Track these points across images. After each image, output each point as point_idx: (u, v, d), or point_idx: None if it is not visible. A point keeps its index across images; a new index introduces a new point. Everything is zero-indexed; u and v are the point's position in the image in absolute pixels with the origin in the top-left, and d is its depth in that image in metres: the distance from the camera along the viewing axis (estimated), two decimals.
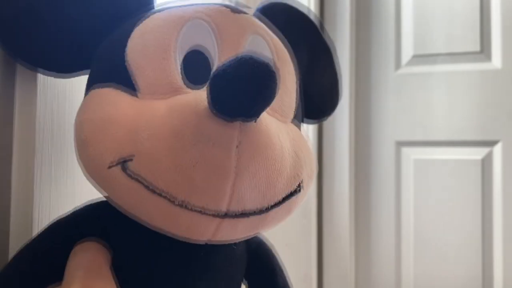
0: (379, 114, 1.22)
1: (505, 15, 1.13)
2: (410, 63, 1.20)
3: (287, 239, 1.09)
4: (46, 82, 0.44)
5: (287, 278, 0.48)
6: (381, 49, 1.23)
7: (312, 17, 0.50)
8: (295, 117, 0.41)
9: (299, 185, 0.37)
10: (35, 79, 0.43)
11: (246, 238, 0.40)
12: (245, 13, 0.40)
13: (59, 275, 0.35)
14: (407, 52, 1.20)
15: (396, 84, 1.21)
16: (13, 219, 0.42)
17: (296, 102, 0.41)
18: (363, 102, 1.23)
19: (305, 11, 0.50)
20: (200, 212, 0.33)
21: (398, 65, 1.21)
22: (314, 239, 1.11)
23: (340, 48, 1.20)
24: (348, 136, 1.20)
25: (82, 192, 0.38)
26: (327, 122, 1.20)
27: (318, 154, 1.18)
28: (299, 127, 0.42)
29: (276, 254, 0.48)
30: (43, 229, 0.39)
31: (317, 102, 0.48)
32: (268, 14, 0.44)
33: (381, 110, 1.22)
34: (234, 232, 0.36)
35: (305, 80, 0.45)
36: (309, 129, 1.10)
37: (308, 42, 0.49)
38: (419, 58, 1.20)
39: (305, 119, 0.45)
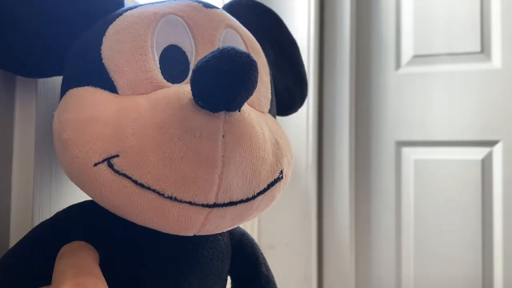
0: (379, 114, 1.22)
1: (505, 15, 1.13)
2: (410, 63, 1.20)
3: (287, 239, 1.09)
4: (46, 83, 0.44)
5: (270, 269, 0.49)
6: (381, 49, 1.23)
7: (275, 12, 0.51)
8: (271, 108, 0.42)
9: (281, 172, 0.38)
10: (35, 80, 0.43)
11: (233, 227, 0.41)
12: (217, 8, 0.41)
13: (45, 279, 0.35)
14: (407, 52, 1.20)
15: (396, 84, 1.21)
16: (13, 219, 0.42)
17: (271, 93, 0.42)
18: (363, 102, 1.23)
19: (268, 7, 0.51)
20: (189, 203, 0.33)
21: (398, 65, 1.21)
22: (314, 239, 1.11)
23: (340, 48, 1.20)
24: (348, 136, 1.20)
25: (82, 192, 0.38)
26: (327, 122, 1.20)
27: (318, 154, 1.18)
28: (275, 118, 0.43)
29: (258, 246, 0.49)
30: (25, 235, 0.38)
31: (286, 97, 0.49)
32: (234, 11, 0.45)
33: (381, 110, 1.22)
34: (222, 222, 0.36)
35: (274, 76, 0.46)
36: (309, 129, 1.10)
37: (274, 37, 0.50)
38: (419, 58, 1.19)
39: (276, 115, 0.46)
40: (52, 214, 0.45)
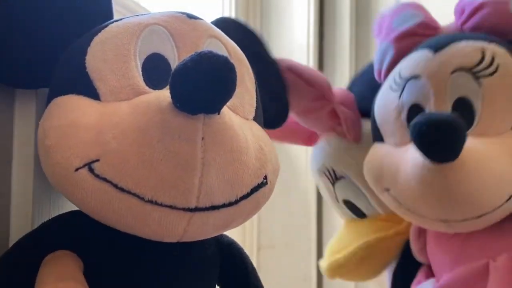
0: None
1: None
2: None
3: (287, 239, 1.09)
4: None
5: (259, 278, 0.48)
6: None
7: (257, 34, 0.52)
8: (256, 117, 0.42)
9: (265, 177, 0.38)
10: None
11: (218, 234, 0.40)
12: (201, 19, 0.41)
13: None
14: None
15: None
16: (13, 219, 0.42)
17: (256, 102, 0.42)
18: None
19: (251, 27, 0.52)
20: (170, 207, 0.34)
21: None
22: (314, 239, 1.11)
23: (340, 48, 1.20)
24: None
25: None
26: None
27: None
28: (261, 127, 0.43)
29: (247, 254, 0.48)
30: (12, 245, 0.39)
31: (267, 113, 0.48)
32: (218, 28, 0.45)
33: None
34: (205, 227, 0.36)
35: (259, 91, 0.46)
36: None
37: (255, 55, 0.50)
38: None
39: None
40: (52, 214, 0.45)
